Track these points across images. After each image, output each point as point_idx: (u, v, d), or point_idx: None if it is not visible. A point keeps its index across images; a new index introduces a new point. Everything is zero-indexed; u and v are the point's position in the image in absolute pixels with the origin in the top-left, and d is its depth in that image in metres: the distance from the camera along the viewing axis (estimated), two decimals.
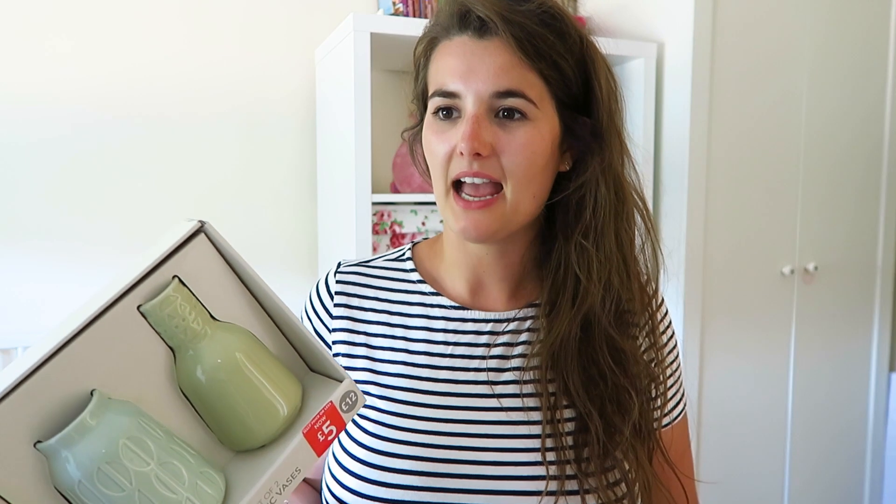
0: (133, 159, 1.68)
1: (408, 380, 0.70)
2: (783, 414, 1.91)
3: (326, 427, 0.53)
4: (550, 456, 0.66)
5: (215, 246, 0.52)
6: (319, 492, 0.77)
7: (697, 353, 1.71)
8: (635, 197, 0.70)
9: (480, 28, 0.63)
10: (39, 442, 0.44)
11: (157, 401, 0.49)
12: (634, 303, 0.69)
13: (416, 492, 0.65)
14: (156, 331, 0.49)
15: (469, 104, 0.63)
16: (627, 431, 0.65)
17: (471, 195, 0.65)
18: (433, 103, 0.66)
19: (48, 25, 1.60)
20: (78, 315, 0.46)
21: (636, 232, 0.70)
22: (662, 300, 0.79)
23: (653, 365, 0.72)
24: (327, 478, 0.71)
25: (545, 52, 0.63)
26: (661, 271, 0.73)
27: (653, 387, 0.71)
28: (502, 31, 0.62)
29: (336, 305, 0.75)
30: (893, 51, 1.98)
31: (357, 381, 0.71)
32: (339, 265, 0.78)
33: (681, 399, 0.79)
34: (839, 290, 1.98)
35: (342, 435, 0.72)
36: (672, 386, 0.77)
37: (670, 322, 0.78)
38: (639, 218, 0.71)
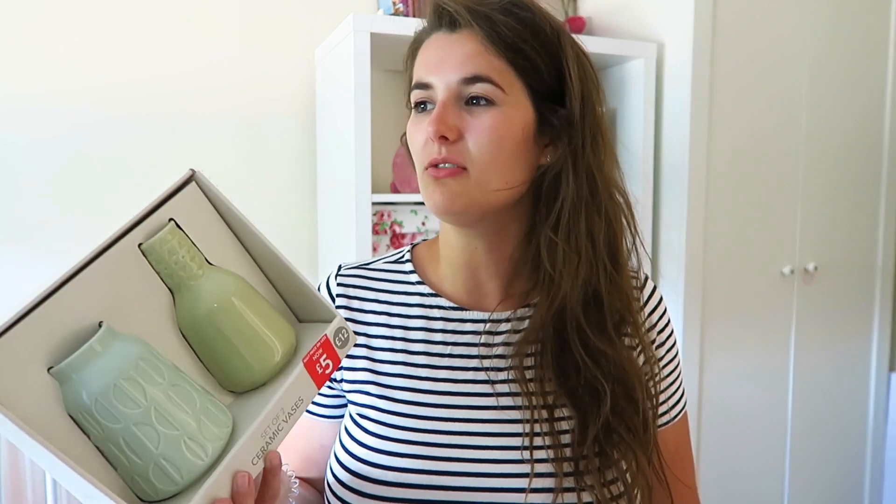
0: (134, 159, 1.68)
1: (407, 380, 0.70)
2: (783, 414, 1.91)
3: (323, 360, 0.55)
4: (540, 453, 0.66)
5: (206, 194, 0.55)
6: (322, 493, 0.77)
7: (697, 353, 1.71)
8: (614, 192, 0.70)
9: (451, 23, 0.67)
10: (52, 368, 0.45)
11: (160, 341, 0.51)
12: (611, 297, 0.68)
13: (416, 490, 0.65)
14: (156, 271, 0.52)
15: (439, 93, 0.66)
16: (601, 423, 0.65)
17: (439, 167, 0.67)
18: (413, 97, 0.70)
19: (48, 25, 1.60)
20: (84, 254, 0.48)
21: (622, 230, 0.70)
22: (661, 299, 0.78)
23: (642, 363, 0.71)
24: (329, 478, 0.71)
25: (511, 40, 0.65)
26: (645, 265, 0.73)
27: (633, 383, 0.69)
28: (469, 21, 0.65)
29: (337, 308, 0.75)
30: (893, 52, 1.98)
31: (357, 382, 0.71)
32: (339, 268, 0.79)
33: (680, 399, 0.79)
34: (839, 290, 1.98)
35: (343, 434, 0.72)
36: (671, 385, 0.77)
37: (669, 321, 0.78)
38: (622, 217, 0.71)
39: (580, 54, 0.69)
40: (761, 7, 1.73)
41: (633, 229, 0.71)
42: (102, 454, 0.47)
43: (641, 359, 0.72)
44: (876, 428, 2.10)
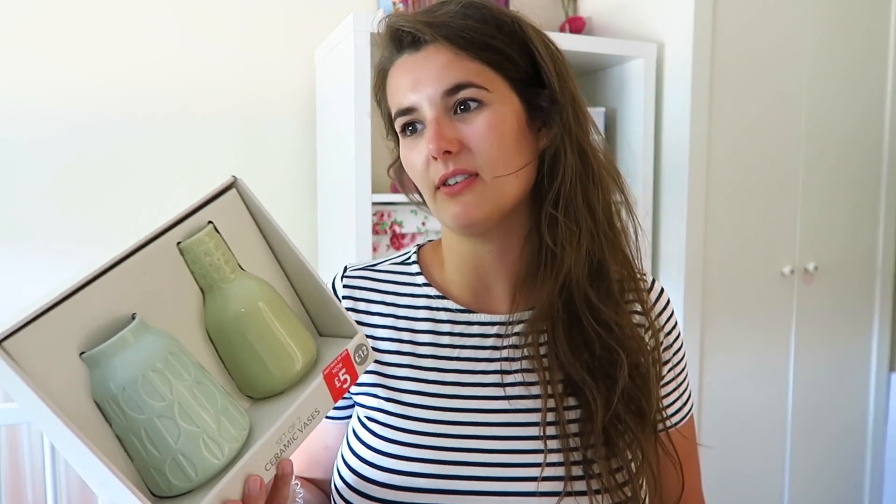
0: (133, 160, 1.68)
1: (415, 382, 0.70)
2: (783, 414, 1.91)
3: (342, 374, 0.56)
4: (552, 444, 0.66)
5: (245, 202, 0.57)
6: (329, 494, 0.77)
7: (697, 353, 1.71)
8: (602, 159, 0.71)
9: (414, 42, 0.67)
10: (84, 353, 0.47)
11: (186, 339, 0.52)
12: (613, 265, 0.69)
13: (425, 494, 0.65)
14: (191, 270, 0.53)
15: (427, 111, 0.65)
16: (615, 401, 0.65)
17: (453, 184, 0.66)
18: (398, 125, 0.69)
19: (48, 25, 1.60)
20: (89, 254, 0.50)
21: (613, 199, 0.71)
22: (668, 301, 0.78)
23: (649, 347, 0.71)
24: (336, 481, 0.71)
25: (478, 40, 0.65)
26: (644, 252, 0.74)
27: (643, 352, 0.70)
28: (433, 35, 0.65)
29: (344, 310, 0.75)
30: (893, 52, 1.98)
31: (365, 384, 0.71)
32: (345, 269, 0.78)
33: (687, 400, 0.79)
34: (839, 290, 1.98)
35: (351, 437, 0.72)
36: (679, 387, 0.77)
37: (676, 323, 0.78)
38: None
39: (542, 34, 0.70)
40: (761, 7, 1.73)
41: (626, 198, 0.72)
42: (121, 443, 0.47)
43: (647, 335, 0.72)
44: (876, 428, 2.10)
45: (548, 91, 0.68)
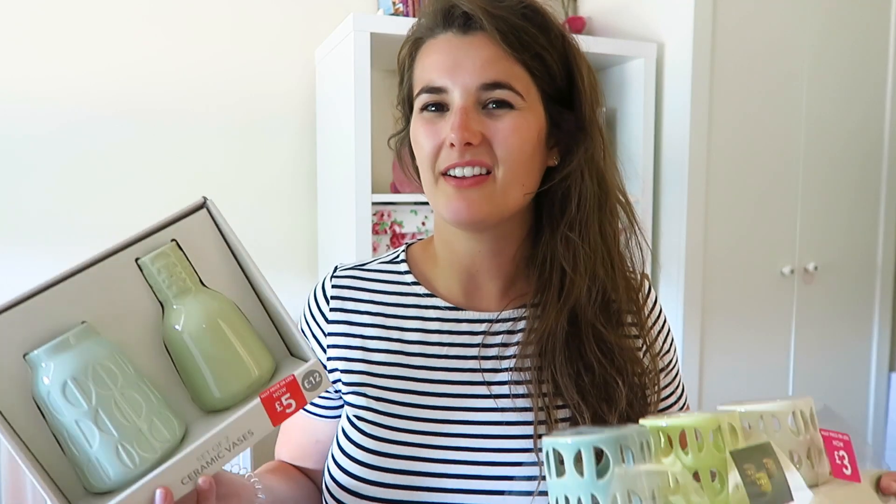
0: (133, 158, 1.68)
1: (404, 381, 0.70)
2: None
3: (286, 399, 0.55)
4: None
5: (216, 223, 0.57)
6: (319, 484, 0.77)
7: (697, 353, 1.71)
8: (617, 192, 0.71)
9: (464, 24, 0.65)
10: (27, 354, 0.50)
11: (140, 349, 0.54)
12: (620, 294, 0.70)
13: (412, 492, 0.65)
14: (149, 284, 0.55)
15: (456, 97, 0.64)
16: (615, 421, 0.65)
17: (461, 176, 0.65)
18: (420, 101, 0.67)
19: (46, 22, 1.60)
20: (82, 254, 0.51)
21: (620, 227, 0.72)
22: (656, 298, 0.79)
23: (643, 356, 0.72)
24: (326, 479, 0.71)
25: (529, 45, 0.65)
26: (647, 263, 0.74)
27: (644, 377, 0.70)
28: (487, 24, 0.63)
29: (332, 310, 0.75)
30: (893, 52, 1.98)
31: (354, 384, 0.71)
32: (335, 269, 0.78)
33: (681, 394, 0.79)
34: (839, 290, 1.98)
35: (340, 436, 0.72)
36: (672, 382, 0.77)
37: (665, 319, 0.79)
38: (623, 215, 0.72)
39: (586, 60, 0.69)
40: (761, 7, 1.73)
41: (636, 224, 0.72)
42: (57, 440, 0.51)
43: (645, 357, 0.72)
44: (876, 428, 2.10)
45: (575, 115, 0.68)
